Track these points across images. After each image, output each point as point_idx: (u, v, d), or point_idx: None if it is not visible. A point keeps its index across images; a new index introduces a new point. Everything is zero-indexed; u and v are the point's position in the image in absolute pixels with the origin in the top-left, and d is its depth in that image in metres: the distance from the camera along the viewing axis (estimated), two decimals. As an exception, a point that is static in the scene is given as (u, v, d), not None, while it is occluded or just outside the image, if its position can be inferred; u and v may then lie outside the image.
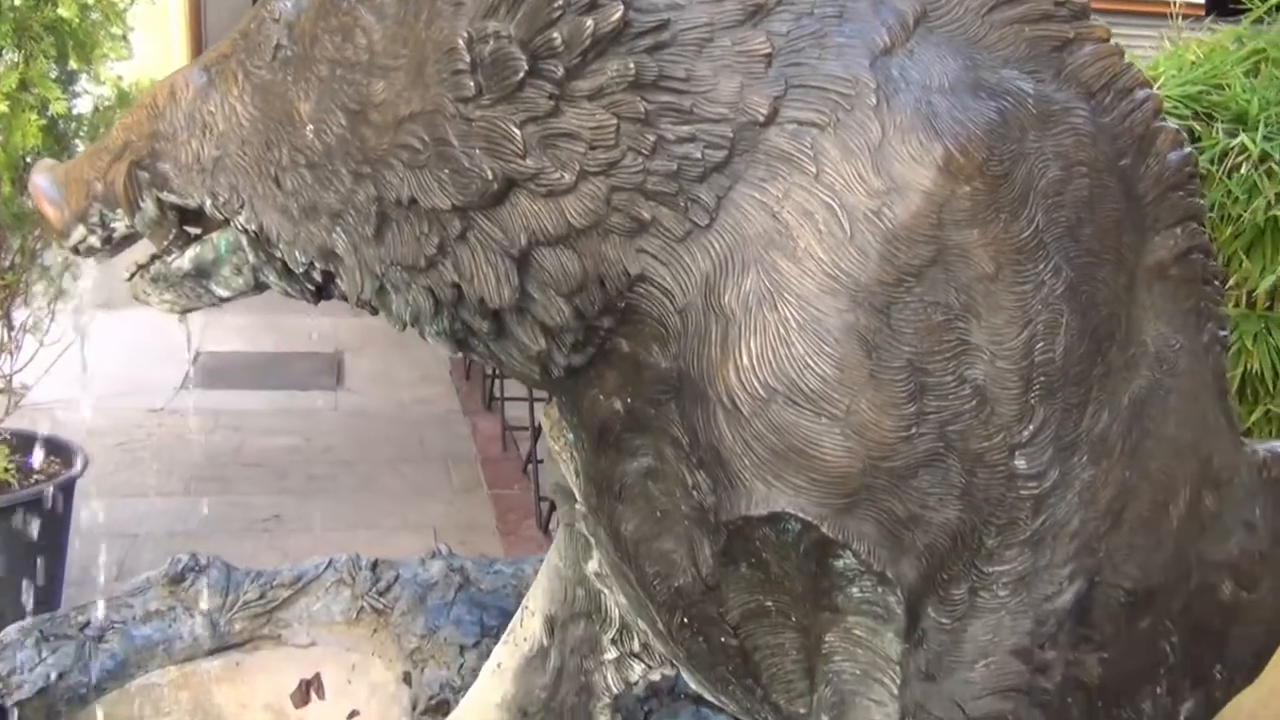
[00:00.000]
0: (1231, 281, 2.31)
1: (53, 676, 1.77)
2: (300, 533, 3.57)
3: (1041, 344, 0.98)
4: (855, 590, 0.98)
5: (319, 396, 5.02)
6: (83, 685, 1.83)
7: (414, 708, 1.77)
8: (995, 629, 1.00)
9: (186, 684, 1.95)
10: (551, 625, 1.34)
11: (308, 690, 2.00)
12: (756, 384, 0.93)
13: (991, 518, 0.98)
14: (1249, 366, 2.29)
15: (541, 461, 3.89)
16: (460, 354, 1.08)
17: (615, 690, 1.37)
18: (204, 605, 1.99)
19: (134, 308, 1.28)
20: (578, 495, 1.18)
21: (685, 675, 1.25)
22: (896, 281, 0.94)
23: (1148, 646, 1.17)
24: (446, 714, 1.68)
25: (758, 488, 0.94)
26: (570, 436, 1.14)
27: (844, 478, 0.93)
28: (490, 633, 1.99)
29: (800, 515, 0.93)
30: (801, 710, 1.10)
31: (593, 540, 1.21)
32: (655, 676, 1.38)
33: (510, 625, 1.38)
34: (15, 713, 1.71)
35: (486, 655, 1.93)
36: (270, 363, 5.44)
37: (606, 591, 1.30)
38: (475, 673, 1.88)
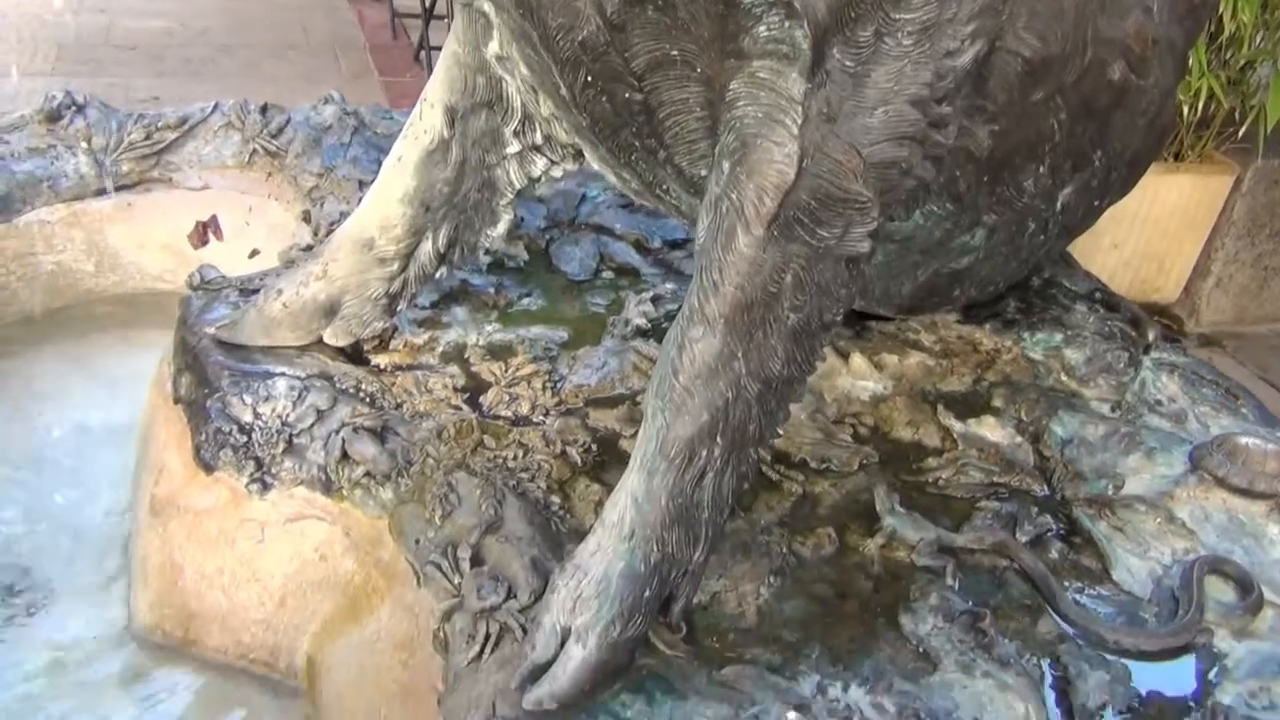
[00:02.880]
0: None
1: (-67, 204, 1.72)
2: (183, 113, 3.42)
3: None
4: (762, 29, 0.96)
5: (189, -21, 4.67)
6: (-33, 216, 1.79)
7: (315, 234, 1.77)
8: (897, 77, 1.01)
9: (78, 222, 1.92)
10: (452, 116, 1.31)
11: (205, 231, 1.99)
12: None
13: None
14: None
15: (435, 49, 3.73)
16: None
17: (518, 185, 1.37)
18: (85, 144, 1.93)
19: None
20: (476, -43, 1.12)
21: (588, 152, 1.26)
22: None
23: (1037, 120, 1.20)
24: (349, 236, 1.68)
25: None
26: (466, -113, 1.07)
27: (757, -107, 0.89)
28: (389, 171, 1.97)
29: (709, -63, 0.90)
30: (702, 172, 1.12)
31: (491, 10, 1.17)
32: (557, 173, 1.38)
33: (409, 120, 1.35)
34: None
35: (386, 190, 1.93)
36: (131, -55, 4.99)
37: (508, 78, 1.27)
38: (376, 204, 1.88)
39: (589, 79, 1.07)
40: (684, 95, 1.06)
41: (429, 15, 3.83)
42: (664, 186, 1.20)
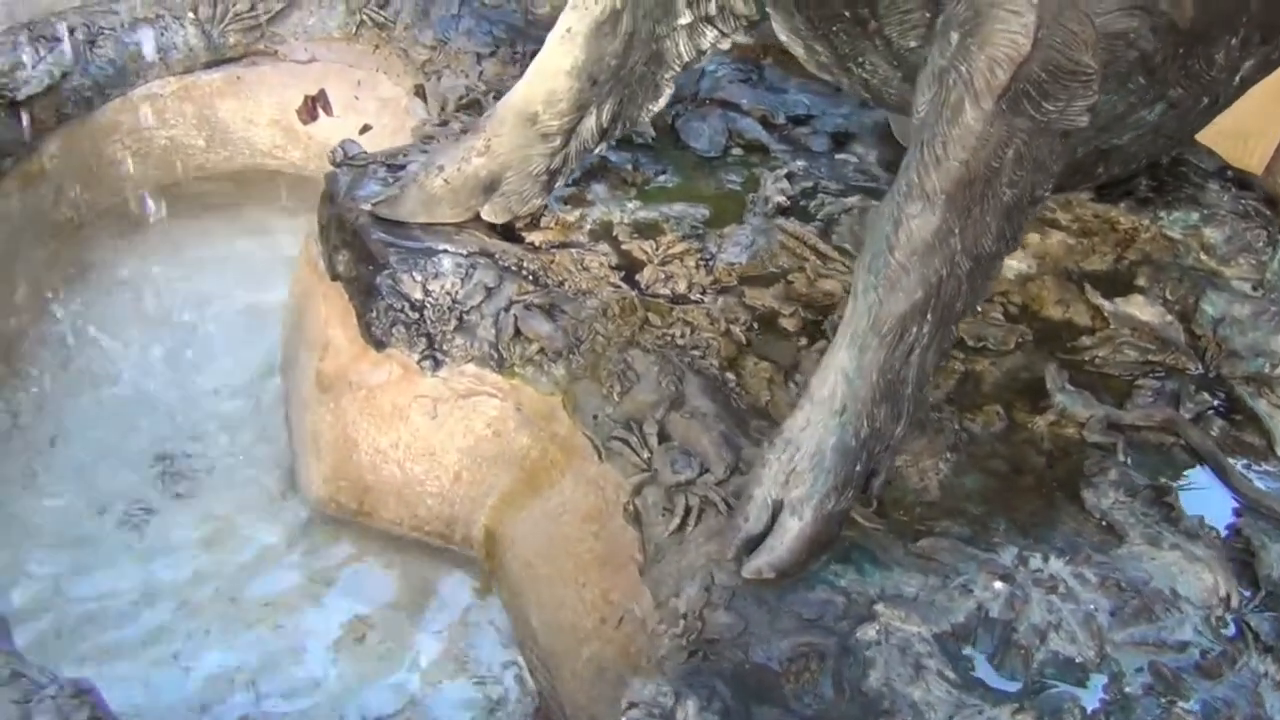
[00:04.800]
0: None
1: (56, 75, 1.69)
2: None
3: None
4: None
5: None
6: (86, 88, 1.76)
7: (441, 109, 1.74)
8: (1129, -44, 0.98)
9: (189, 96, 1.89)
10: (625, -13, 1.27)
11: (314, 106, 1.96)
12: None
13: None
14: None
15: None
16: None
17: (686, 58, 1.34)
18: (192, 14, 1.88)
19: None
20: None
21: (780, 23, 1.22)
22: None
23: (1242, -13, 1.17)
24: (480, 112, 1.66)
25: None
26: None
27: None
28: (504, 44, 1.93)
29: None
30: (912, 44, 1.09)
31: None
32: (725, 45, 1.35)
33: (577, -11, 1.31)
34: (26, 112, 1.65)
35: (505, 63, 1.89)
36: None
37: (689, -54, 1.23)
38: (498, 78, 1.85)
39: (804, -54, 1.04)
40: (906, -38, 1.03)
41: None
42: (860, 59, 1.18)
